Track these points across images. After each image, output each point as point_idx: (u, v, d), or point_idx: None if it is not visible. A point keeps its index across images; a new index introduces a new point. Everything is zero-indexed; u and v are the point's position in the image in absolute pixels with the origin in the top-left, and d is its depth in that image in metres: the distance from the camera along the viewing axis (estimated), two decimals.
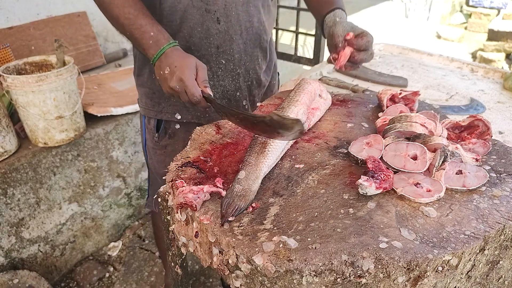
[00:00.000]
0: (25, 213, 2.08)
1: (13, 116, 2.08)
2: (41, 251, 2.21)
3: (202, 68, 1.16)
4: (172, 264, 1.11)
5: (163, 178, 0.99)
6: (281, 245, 0.73)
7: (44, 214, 2.17)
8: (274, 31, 2.94)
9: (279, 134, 0.94)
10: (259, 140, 1.01)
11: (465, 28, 8.04)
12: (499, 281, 0.85)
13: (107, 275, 2.40)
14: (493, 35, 6.57)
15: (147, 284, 2.31)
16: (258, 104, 1.35)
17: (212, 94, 1.14)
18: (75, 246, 2.40)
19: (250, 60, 1.47)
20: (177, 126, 1.48)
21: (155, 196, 1.02)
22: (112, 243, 2.60)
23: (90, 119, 2.26)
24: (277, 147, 1.00)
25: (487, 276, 0.82)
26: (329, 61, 1.27)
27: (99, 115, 2.25)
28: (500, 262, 0.82)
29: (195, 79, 1.13)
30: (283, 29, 3.32)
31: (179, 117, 1.45)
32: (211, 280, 2.29)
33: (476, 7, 8.12)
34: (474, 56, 6.62)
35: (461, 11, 8.65)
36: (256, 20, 1.42)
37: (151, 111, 1.48)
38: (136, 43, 1.22)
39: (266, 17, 1.49)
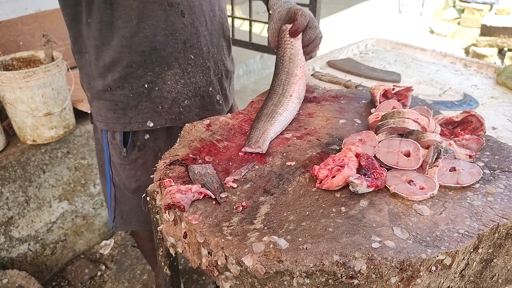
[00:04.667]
0: (14, 212, 2.04)
1: (1, 113, 2.04)
2: (31, 250, 2.18)
3: None
4: (162, 264, 1.09)
5: (134, 193, 0.96)
6: (271, 246, 0.71)
7: (33, 212, 2.14)
8: (262, 25, 2.90)
9: None
10: (266, 111, 1.11)
11: (458, 23, 8.06)
12: (493, 279, 0.84)
13: (99, 273, 2.38)
14: (486, 30, 6.58)
15: (139, 283, 2.29)
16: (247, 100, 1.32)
17: None
18: (66, 244, 2.37)
19: (217, 52, 1.42)
20: (146, 136, 1.39)
21: (144, 195, 0.99)
22: (104, 241, 2.58)
23: (80, 115, 2.22)
24: (284, 118, 1.11)
25: (480, 274, 0.81)
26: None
27: (89, 111, 2.21)
28: (494, 260, 0.81)
29: None
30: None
31: (151, 124, 1.35)
32: (203, 278, 2.27)
33: (469, 2, 8.13)
34: (467, 51, 6.63)
35: (454, 6, 8.66)
36: (217, 8, 1.38)
37: (117, 124, 1.36)
38: None
39: (224, 4, 1.45)
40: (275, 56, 1.24)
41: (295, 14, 1.15)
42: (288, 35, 1.18)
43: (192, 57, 1.34)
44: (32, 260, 2.20)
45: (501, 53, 6.41)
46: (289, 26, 1.18)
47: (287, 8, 1.18)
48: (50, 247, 2.29)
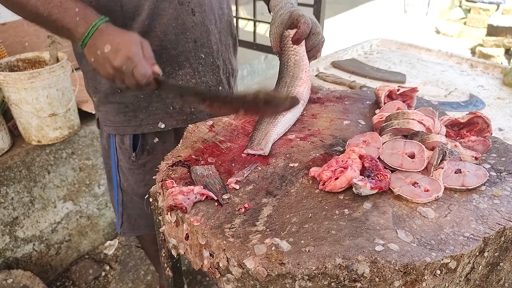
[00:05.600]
0: (19, 212, 2.05)
1: (6, 113, 2.05)
2: (36, 250, 2.19)
3: (147, 44, 1.03)
4: (165, 265, 1.09)
5: (143, 197, 0.96)
6: (273, 248, 0.71)
7: (38, 213, 2.14)
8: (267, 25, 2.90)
9: (264, 111, 0.89)
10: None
11: (464, 23, 8.00)
12: (499, 283, 0.82)
13: (103, 274, 2.38)
14: (492, 30, 6.53)
15: (143, 283, 2.29)
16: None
17: (161, 73, 1.01)
18: (70, 245, 2.38)
19: (225, 50, 1.41)
20: (156, 140, 1.39)
21: (146, 196, 0.99)
22: (108, 242, 2.58)
23: (85, 116, 2.22)
24: (287, 120, 1.10)
25: (486, 278, 0.80)
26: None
27: (93, 112, 2.21)
28: (500, 264, 0.79)
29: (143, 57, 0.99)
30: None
31: (162, 125, 1.34)
32: (207, 279, 2.27)
33: (475, 2, 8.07)
34: (473, 51, 6.59)
35: (460, 6, 8.61)
36: (226, 6, 1.38)
37: (127, 128, 1.35)
38: (55, 25, 1.03)
39: (231, 3, 1.44)
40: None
41: (297, 21, 1.15)
42: (291, 42, 1.17)
43: (203, 56, 1.32)
44: (37, 260, 2.21)
45: (508, 53, 6.37)
46: (291, 31, 1.17)
47: (289, 12, 1.17)
48: (55, 247, 2.29)
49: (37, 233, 2.17)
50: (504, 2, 7.61)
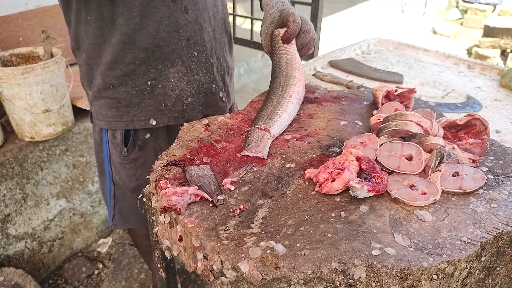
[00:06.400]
0: (11, 209, 2.03)
1: None
2: (28, 248, 2.16)
3: None
4: (158, 266, 1.07)
5: (134, 191, 0.94)
6: (268, 251, 0.69)
7: (31, 210, 2.12)
8: None
9: None
10: (265, 112, 1.08)
11: (461, 24, 8.02)
12: (495, 287, 0.82)
13: (96, 272, 2.36)
14: (489, 31, 6.54)
15: (136, 282, 2.28)
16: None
17: None
18: (63, 242, 2.35)
19: (220, 48, 1.40)
20: (147, 136, 1.38)
21: (140, 196, 0.97)
22: (102, 240, 2.56)
23: (79, 113, 2.20)
24: (284, 120, 1.09)
25: (483, 282, 0.79)
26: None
27: (88, 108, 2.19)
28: (497, 269, 0.79)
29: None
30: None
31: (154, 122, 1.34)
32: (201, 278, 2.25)
33: (472, 2, 8.09)
34: (469, 52, 6.60)
35: (457, 6, 8.63)
36: (220, 3, 1.37)
37: (119, 123, 1.34)
38: None
39: (225, 0, 1.43)
40: None
41: (287, 20, 1.13)
42: (281, 41, 1.16)
43: (196, 54, 1.32)
44: (29, 258, 2.19)
45: (504, 54, 6.38)
46: (282, 31, 1.16)
47: (280, 11, 1.16)
48: (47, 245, 2.27)
49: (29, 230, 2.14)
50: (500, 3, 7.62)
